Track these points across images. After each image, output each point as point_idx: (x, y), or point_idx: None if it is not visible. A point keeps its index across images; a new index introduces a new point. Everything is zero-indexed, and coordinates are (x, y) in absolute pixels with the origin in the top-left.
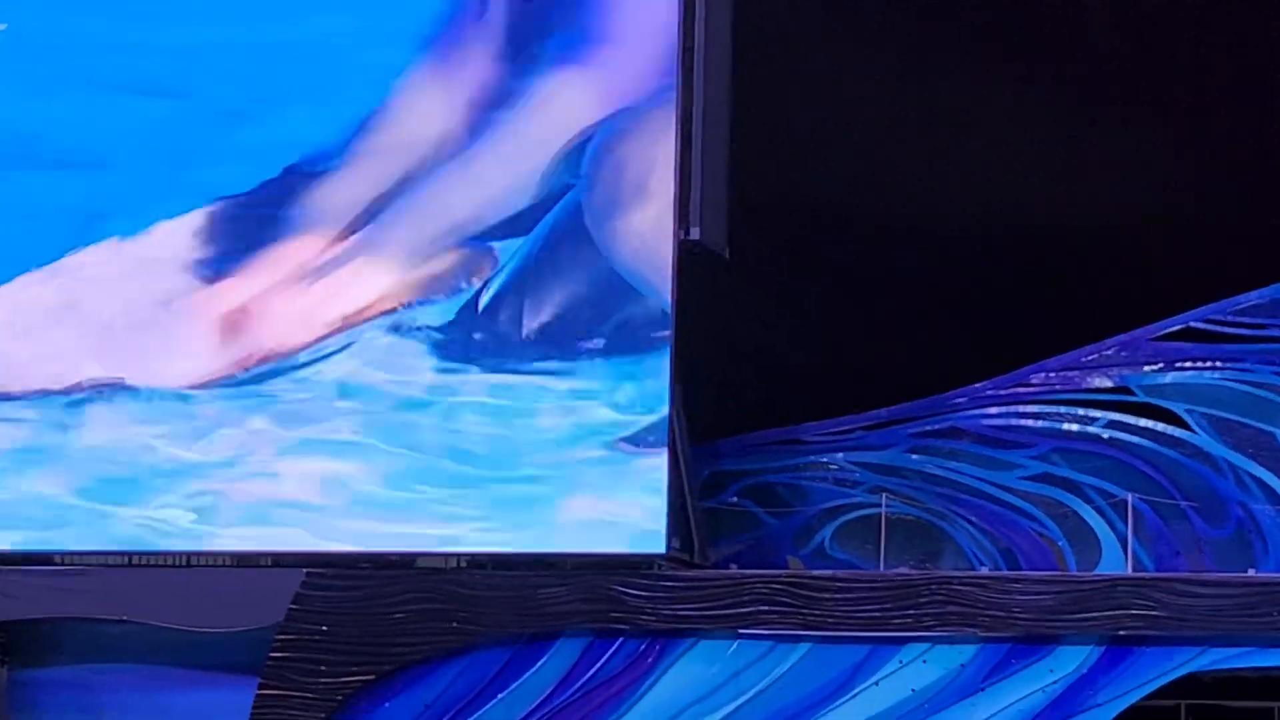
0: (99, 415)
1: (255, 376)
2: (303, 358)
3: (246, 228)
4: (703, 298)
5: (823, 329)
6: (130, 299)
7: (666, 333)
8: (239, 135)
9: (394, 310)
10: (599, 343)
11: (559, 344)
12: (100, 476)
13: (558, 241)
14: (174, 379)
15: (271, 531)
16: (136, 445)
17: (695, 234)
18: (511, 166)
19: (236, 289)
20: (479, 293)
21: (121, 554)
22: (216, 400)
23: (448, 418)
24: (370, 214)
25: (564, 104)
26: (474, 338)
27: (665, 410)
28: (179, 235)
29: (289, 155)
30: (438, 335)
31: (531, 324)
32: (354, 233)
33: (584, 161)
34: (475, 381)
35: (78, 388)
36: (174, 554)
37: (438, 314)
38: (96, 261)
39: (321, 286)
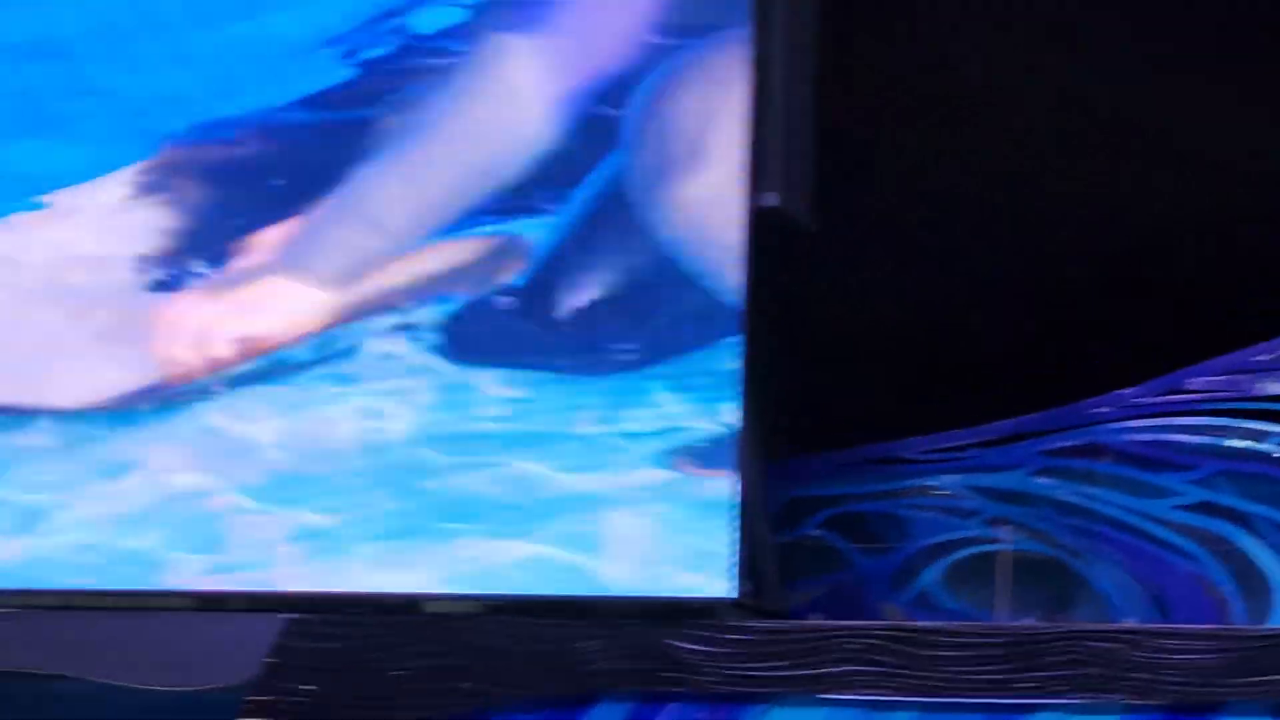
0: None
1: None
2: (280, 362)
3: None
4: (780, 282)
5: (928, 322)
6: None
7: (735, 324)
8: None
9: (391, 309)
10: (650, 338)
11: (600, 340)
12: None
13: (596, 217)
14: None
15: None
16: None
17: (773, 200)
18: (524, 129)
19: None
20: (497, 284)
21: (59, 593)
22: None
23: (459, 434)
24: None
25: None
26: (492, 337)
27: (733, 421)
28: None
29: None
30: (445, 336)
31: (566, 317)
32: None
33: (625, 119)
34: (493, 390)
35: None
36: (123, 594)
37: (445, 312)
38: None
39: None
